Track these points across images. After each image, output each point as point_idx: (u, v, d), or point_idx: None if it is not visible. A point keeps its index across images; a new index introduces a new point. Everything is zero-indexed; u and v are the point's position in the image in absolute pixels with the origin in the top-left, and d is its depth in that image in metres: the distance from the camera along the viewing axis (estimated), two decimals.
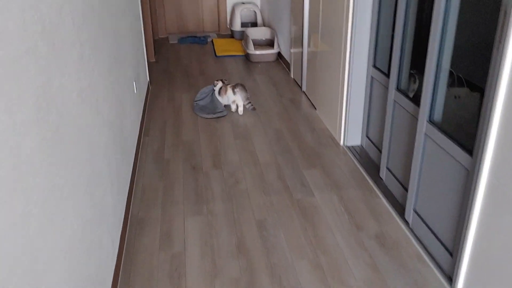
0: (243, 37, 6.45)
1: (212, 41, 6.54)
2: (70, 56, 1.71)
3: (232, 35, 6.74)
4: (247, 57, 5.68)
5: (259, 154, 3.39)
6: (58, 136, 1.48)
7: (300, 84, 4.69)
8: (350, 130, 3.44)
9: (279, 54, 5.68)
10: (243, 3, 6.62)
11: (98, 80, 2.22)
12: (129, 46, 3.49)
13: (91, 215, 1.85)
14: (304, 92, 4.57)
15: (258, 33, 5.94)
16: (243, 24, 6.61)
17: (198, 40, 6.49)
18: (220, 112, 4.11)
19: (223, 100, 4.20)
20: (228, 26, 6.94)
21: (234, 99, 4.12)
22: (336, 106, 3.56)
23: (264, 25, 6.60)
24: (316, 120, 3.94)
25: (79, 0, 1.97)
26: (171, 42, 6.52)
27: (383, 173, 2.99)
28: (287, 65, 5.29)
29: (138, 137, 3.54)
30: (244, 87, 4.13)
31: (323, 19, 3.73)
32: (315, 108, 4.16)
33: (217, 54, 5.85)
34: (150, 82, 4.84)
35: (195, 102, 4.26)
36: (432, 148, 2.31)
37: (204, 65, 5.48)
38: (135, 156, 3.24)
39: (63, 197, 1.49)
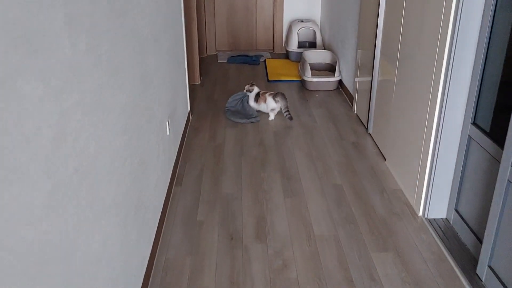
0: (299, 59, 5.78)
1: (264, 61, 5.90)
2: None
3: (287, 55, 6.08)
4: (303, 84, 5.00)
5: (314, 222, 2.69)
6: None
7: (365, 123, 3.95)
8: (433, 199, 2.68)
9: (340, 83, 4.96)
10: (302, 21, 5.95)
11: (107, 137, 1.61)
12: (164, 75, 2.89)
13: None
14: (370, 134, 3.83)
15: (317, 56, 5.25)
16: (300, 44, 5.94)
17: (249, 60, 5.88)
18: (254, 117, 4.13)
19: (260, 107, 4.22)
20: (284, 46, 6.29)
21: (274, 107, 4.14)
22: (415, 162, 2.81)
23: (324, 46, 5.90)
24: (386, 176, 3.19)
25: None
26: (220, 61, 5.94)
27: (483, 271, 2.21)
28: (350, 96, 4.56)
29: (169, 188, 2.93)
30: (284, 96, 4.15)
31: (404, 45, 3.00)
32: (384, 158, 3.41)
33: (270, 79, 5.20)
34: (191, 111, 4.24)
35: (227, 108, 4.27)
36: None
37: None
38: (161, 216, 2.63)
39: None
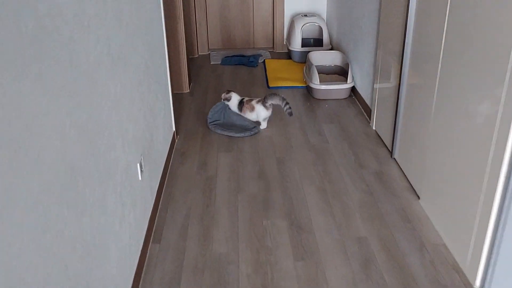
0: (303, 59, 5.05)
1: (264, 62, 5.17)
2: None
3: (289, 54, 5.34)
4: (309, 91, 4.28)
5: None
6: None
7: (388, 145, 3.25)
8: (499, 266, 1.99)
9: (353, 90, 4.25)
10: (306, 15, 5.20)
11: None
12: (133, 99, 2.18)
13: None
14: (395, 159, 3.13)
15: (325, 58, 4.52)
16: (304, 42, 5.20)
17: (246, 61, 5.14)
18: (252, 129, 3.53)
19: (247, 116, 3.65)
20: (285, 43, 5.55)
21: (267, 116, 3.59)
22: (468, 207, 2.11)
23: (331, 45, 5.16)
24: (423, 223, 2.50)
25: None
26: (212, 62, 5.20)
27: None
28: (365, 107, 3.85)
29: (143, 248, 2.23)
30: (276, 94, 3.61)
31: (452, 40, 2.28)
32: (418, 196, 2.72)
33: (270, 85, 4.48)
34: (177, 131, 3.52)
35: (211, 124, 3.59)
36: None
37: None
38: None
39: None
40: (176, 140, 3.44)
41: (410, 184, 2.84)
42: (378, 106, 3.47)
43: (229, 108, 3.69)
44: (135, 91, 2.23)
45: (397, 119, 3.01)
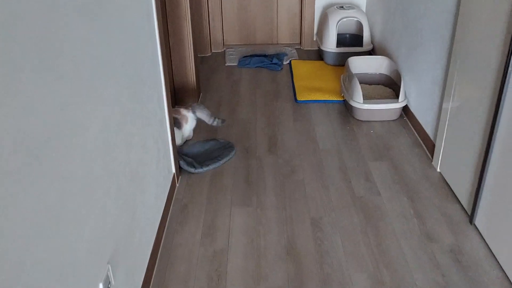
0: (338, 61, 4.14)
1: (290, 64, 4.27)
2: None
3: (320, 54, 4.43)
4: (348, 108, 3.39)
5: None
6: None
7: (463, 201, 2.37)
8: None
9: (404, 109, 3.34)
10: (342, 7, 4.25)
11: None
12: (102, 171, 1.35)
13: None
14: (476, 227, 2.25)
15: (368, 64, 3.61)
16: (339, 38, 4.28)
17: (268, 63, 4.25)
18: (229, 150, 2.87)
19: (187, 131, 2.94)
20: (315, 40, 4.63)
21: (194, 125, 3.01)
22: None
23: (373, 45, 4.23)
24: None
25: None
26: (228, 64, 4.32)
27: None
28: (423, 135, 2.96)
29: None
30: (204, 107, 3.05)
31: None
32: None
33: (298, 98, 3.59)
34: (178, 174, 2.68)
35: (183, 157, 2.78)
36: None
37: (275, 122, 3.26)
38: None
39: None
40: (177, 185, 2.61)
41: (504, 271, 1.98)
42: (447, 138, 2.57)
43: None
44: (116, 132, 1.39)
45: (486, 164, 2.12)
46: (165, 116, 2.39)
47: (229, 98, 3.65)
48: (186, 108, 2.97)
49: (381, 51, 3.99)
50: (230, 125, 3.23)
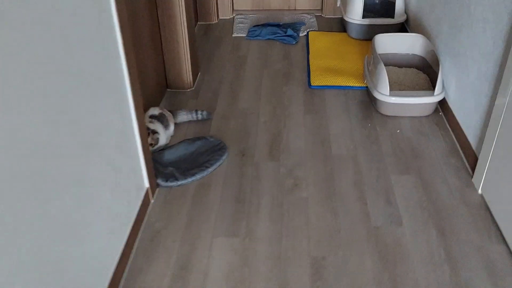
0: (364, 35, 3.51)
1: (307, 36, 3.65)
2: None
3: (343, 25, 3.79)
4: (371, 99, 2.81)
5: None
6: None
7: (510, 243, 1.83)
8: None
9: (441, 103, 2.74)
10: None
11: None
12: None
13: None
14: None
15: (398, 43, 2.98)
16: (367, 7, 3.62)
17: (281, 34, 3.65)
18: (220, 153, 2.35)
19: (168, 133, 2.46)
20: (339, 6, 3.96)
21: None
22: None
23: (406, 14, 3.55)
24: None
25: None
26: (235, 34, 3.73)
27: None
28: (463, 141, 2.37)
29: None
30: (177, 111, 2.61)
31: None
32: None
33: (313, 84, 3.02)
34: (154, 185, 2.19)
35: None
36: None
37: (282, 114, 2.71)
38: None
39: None
40: (152, 202, 2.13)
41: None
42: (496, 150, 1.99)
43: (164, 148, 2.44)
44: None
45: None
46: (131, 125, 1.89)
47: (231, 80, 3.10)
48: (161, 109, 2.46)
49: (415, 26, 3.33)
50: (227, 118, 2.71)
